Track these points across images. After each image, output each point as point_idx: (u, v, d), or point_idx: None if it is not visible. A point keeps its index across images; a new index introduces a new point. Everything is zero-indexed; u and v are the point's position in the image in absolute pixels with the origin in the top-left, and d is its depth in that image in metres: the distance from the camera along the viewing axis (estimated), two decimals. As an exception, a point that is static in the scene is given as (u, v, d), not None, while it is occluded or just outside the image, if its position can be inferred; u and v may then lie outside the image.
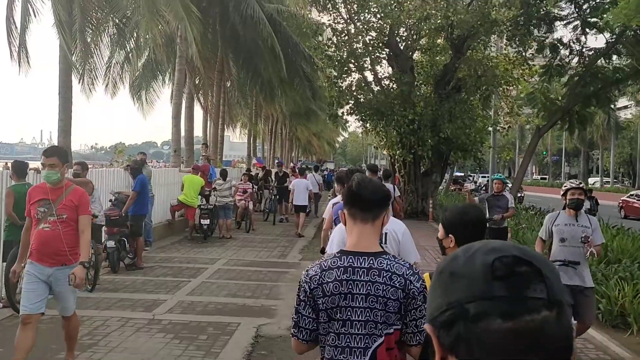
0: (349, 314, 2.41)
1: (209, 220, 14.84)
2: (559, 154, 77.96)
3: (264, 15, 20.48)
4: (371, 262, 2.43)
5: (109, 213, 10.38)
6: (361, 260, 2.43)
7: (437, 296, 0.95)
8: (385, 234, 4.05)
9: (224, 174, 16.35)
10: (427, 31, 21.06)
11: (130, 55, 22.57)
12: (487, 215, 10.08)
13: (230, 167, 32.43)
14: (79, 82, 20.81)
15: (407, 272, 2.44)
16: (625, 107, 38.19)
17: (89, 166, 11.35)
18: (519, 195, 25.67)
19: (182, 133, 21.01)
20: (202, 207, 15.18)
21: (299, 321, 2.50)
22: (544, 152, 78.43)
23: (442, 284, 0.96)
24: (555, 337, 0.88)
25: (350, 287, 2.40)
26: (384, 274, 2.41)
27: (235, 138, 47.94)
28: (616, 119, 55.65)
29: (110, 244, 10.30)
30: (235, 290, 9.49)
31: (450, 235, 2.94)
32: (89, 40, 18.36)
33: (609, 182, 64.09)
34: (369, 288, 2.40)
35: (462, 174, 55.99)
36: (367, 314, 2.41)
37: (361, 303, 2.40)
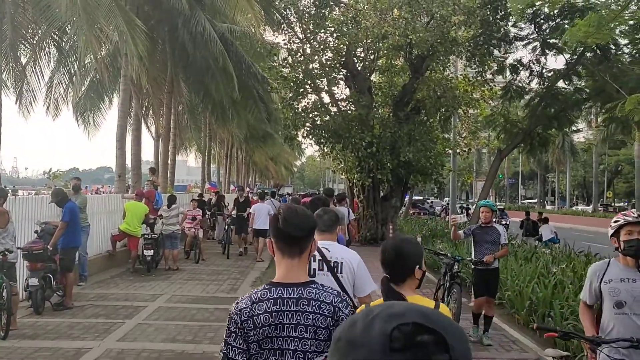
0: (280, 344, 2.45)
1: (152, 251, 13.61)
2: (515, 177, 78.53)
3: (215, 33, 19.46)
4: (300, 292, 2.48)
5: (30, 246, 9.15)
6: (290, 291, 2.47)
7: None
8: (341, 263, 3.99)
9: (171, 200, 15.12)
10: (386, 50, 20.37)
11: (72, 75, 21.31)
12: (473, 254, 8.60)
13: (186, 192, 31.24)
14: (16, 103, 19.49)
15: (336, 300, 2.50)
16: (578, 130, 38.42)
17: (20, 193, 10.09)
18: (503, 222, 24.19)
19: (129, 157, 19.81)
20: (145, 236, 13.95)
21: (229, 352, 2.45)
22: (500, 176, 78.93)
23: (339, 352, 0.89)
24: None
25: (280, 317, 2.43)
26: (313, 303, 2.46)
27: (193, 162, 46.67)
28: (571, 142, 56.17)
29: (33, 281, 9.05)
30: (175, 334, 8.33)
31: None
32: (24, 58, 17.06)
33: (564, 205, 64.52)
34: (298, 318, 2.45)
35: (421, 198, 55.47)
36: (297, 343, 2.45)
37: (292, 333, 2.44)
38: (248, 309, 2.45)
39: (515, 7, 15.84)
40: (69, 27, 18.22)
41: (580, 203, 79.20)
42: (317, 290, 2.50)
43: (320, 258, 3.95)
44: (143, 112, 24.86)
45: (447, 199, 65.27)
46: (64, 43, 19.77)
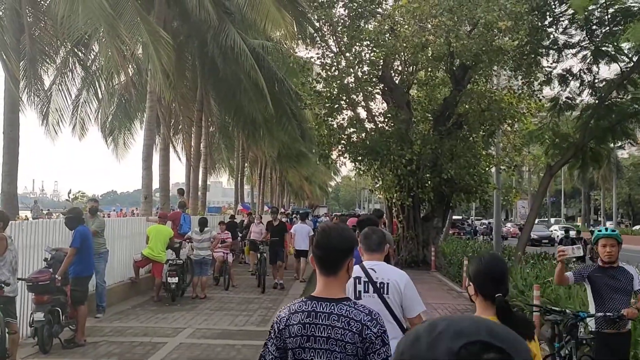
0: (311, 355, 2.56)
1: (177, 278, 12.55)
2: (556, 195, 76.02)
3: (245, 47, 18.57)
4: (332, 307, 2.58)
5: (35, 277, 8.16)
6: (323, 306, 2.59)
7: None
8: (387, 284, 3.96)
9: (203, 223, 14.09)
10: (426, 62, 19.19)
11: (99, 93, 20.64)
12: (593, 307, 5.86)
13: (220, 213, 30.38)
14: (42, 124, 18.84)
15: (365, 318, 2.56)
16: (620, 146, 36.35)
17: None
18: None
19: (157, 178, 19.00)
20: (170, 262, 12.92)
21: (265, 355, 2.66)
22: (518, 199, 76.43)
23: None
24: None
25: (312, 330, 2.56)
26: (343, 319, 2.56)
27: (227, 184, 46.00)
28: (617, 158, 53.92)
29: (38, 316, 8.04)
30: (195, 379, 7.21)
31: (470, 282, 2.95)
32: (46, 75, 16.38)
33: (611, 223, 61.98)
34: (329, 332, 2.55)
35: (460, 217, 53.72)
36: (328, 356, 2.55)
37: (322, 345, 2.55)
38: (286, 318, 2.62)
39: (576, 2, 14.47)
40: (96, 44, 17.59)
41: (625, 221, 76.31)
42: (348, 308, 2.59)
43: (366, 279, 3.96)
44: (172, 131, 24.03)
45: (470, 218, 63.38)
46: (90, 61, 19.14)
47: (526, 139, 24.05)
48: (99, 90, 20.77)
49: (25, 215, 26.95)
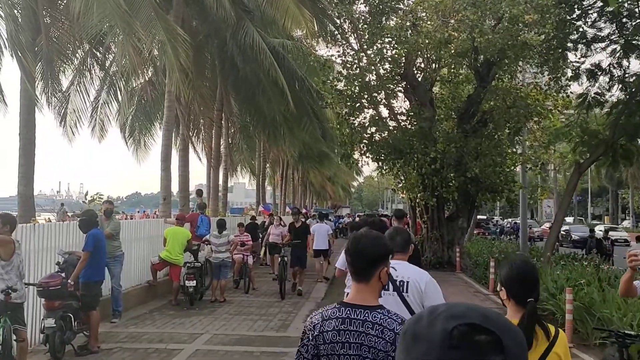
0: None
1: (195, 281, 12.25)
2: (583, 194, 74.64)
3: (265, 45, 18.25)
4: (366, 315, 2.59)
5: (46, 282, 7.89)
6: (357, 313, 2.59)
7: (400, 353, 0.98)
8: (407, 282, 3.93)
9: (220, 225, 13.74)
10: (449, 57, 18.71)
11: (119, 95, 20.49)
12: None
13: (242, 214, 30.16)
14: (60, 124, 18.70)
15: (398, 327, 2.54)
16: None
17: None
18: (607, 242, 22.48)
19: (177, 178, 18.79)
20: (188, 265, 12.62)
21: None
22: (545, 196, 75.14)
23: (405, 343, 0.98)
24: None
25: (347, 336, 2.56)
26: (377, 327, 2.55)
27: (249, 185, 45.82)
28: (645, 155, 52.68)
29: (49, 322, 7.76)
30: (210, 389, 6.87)
31: (502, 287, 2.96)
32: (64, 76, 16.22)
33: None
34: (362, 339, 2.55)
35: (485, 217, 52.87)
36: None
37: (355, 351, 2.55)
38: (319, 325, 2.63)
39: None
40: (113, 45, 17.40)
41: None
42: (382, 316, 2.59)
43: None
44: (192, 132, 23.80)
45: (494, 218, 62.27)
46: (108, 62, 18.98)
47: (553, 137, 23.47)
48: (118, 91, 20.63)
49: (48, 218, 26.92)
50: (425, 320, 0.96)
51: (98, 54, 18.24)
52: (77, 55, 17.59)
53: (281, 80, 18.43)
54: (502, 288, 2.95)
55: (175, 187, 19.64)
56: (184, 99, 19.07)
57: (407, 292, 3.91)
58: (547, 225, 42.28)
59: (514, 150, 22.75)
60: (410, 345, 0.96)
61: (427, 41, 17.11)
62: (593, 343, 9.09)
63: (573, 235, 38.53)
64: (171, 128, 17.10)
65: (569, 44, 18.77)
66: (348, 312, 2.59)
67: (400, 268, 3.92)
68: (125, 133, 22.77)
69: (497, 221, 53.05)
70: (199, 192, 17.32)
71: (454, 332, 0.91)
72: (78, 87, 18.46)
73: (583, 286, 10.83)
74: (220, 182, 24.18)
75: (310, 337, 2.64)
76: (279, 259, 14.60)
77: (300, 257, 14.66)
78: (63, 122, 18.53)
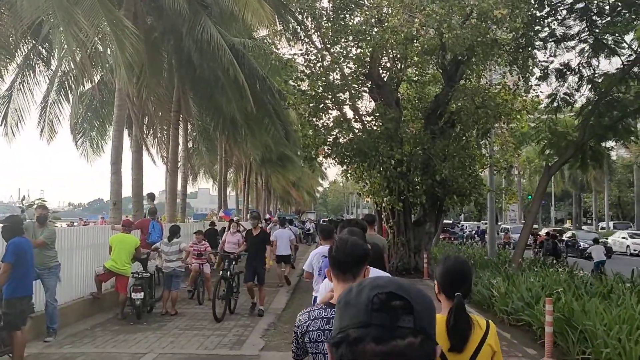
0: None
1: (142, 293, 11.21)
2: (546, 197, 75.05)
3: (223, 41, 17.28)
4: None
5: (-43, 299, 6.82)
6: None
7: (336, 320, 1.17)
8: None
9: (173, 232, 12.67)
10: (416, 57, 18.01)
11: (69, 93, 19.30)
12: None
13: (205, 220, 29.16)
14: (1, 124, 17.48)
15: None
16: (624, 144, 35.00)
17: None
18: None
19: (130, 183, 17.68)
20: (135, 275, 11.59)
21: (297, 352, 2.88)
22: (529, 197, 75.64)
23: (339, 311, 1.17)
24: (416, 358, 1.07)
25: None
26: None
27: (214, 190, 44.60)
28: (609, 159, 53.01)
29: (-38, 346, 6.70)
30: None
31: (435, 281, 3.14)
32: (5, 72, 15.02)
33: (603, 227, 61.12)
34: None
35: (451, 221, 52.50)
36: None
37: None
38: (306, 324, 2.76)
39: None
40: (54, 38, 16.24)
41: (615, 224, 75.53)
42: None
43: None
44: (147, 134, 22.63)
45: (463, 222, 62.09)
46: (54, 60, 17.81)
47: (520, 139, 23.03)
48: (68, 90, 19.45)
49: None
50: (354, 290, 1.17)
51: (44, 50, 17.06)
52: (21, 49, 16.39)
53: (241, 79, 17.49)
54: (436, 282, 3.09)
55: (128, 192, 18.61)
56: (138, 99, 17.98)
57: None
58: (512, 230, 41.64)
59: (482, 152, 22.17)
60: (343, 312, 1.15)
61: (393, 37, 16.34)
62: (574, 358, 8.34)
63: (582, 243, 32.44)
64: (122, 128, 15.99)
65: (538, 43, 18.25)
66: (333, 313, 2.47)
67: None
68: (75, 134, 21.48)
69: (463, 226, 52.70)
70: (151, 196, 16.17)
71: (375, 299, 1.10)
72: (21, 86, 17.28)
73: (560, 295, 10.11)
74: (179, 187, 23.10)
75: (298, 335, 2.77)
76: (222, 271, 12.16)
77: (257, 270, 11.97)
78: (4, 122, 17.30)
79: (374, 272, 3.77)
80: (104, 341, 9.54)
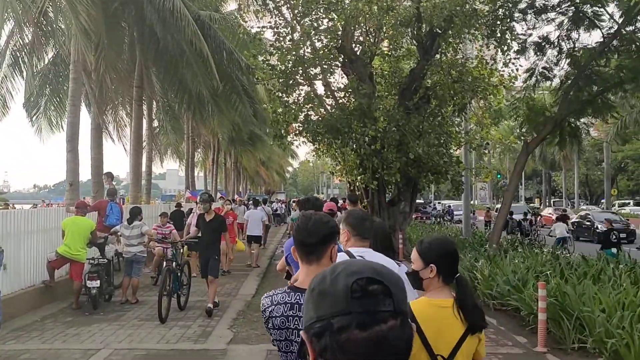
0: (295, 348, 2.43)
1: (99, 281, 10.29)
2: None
3: (187, 11, 16.25)
4: None
5: None
6: None
7: (309, 310, 1.15)
8: None
9: (133, 214, 11.74)
10: (390, 28, 17.17)
11: (23, 66, 18.09)
12: None
13: (173, 201, 28.21)
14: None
15: None
16: (604, 120, 34.29)
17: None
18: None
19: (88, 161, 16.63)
20: (91, 262, 10.67)
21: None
22: (498, 176, 75.73)
23: (314, 300, 1.15)
24: (399, 340, 1.10)
25: (296, 323, 2.43)
26: None
27: (183, 172, 43.42)
28: (588, 135, 52.97)
29: None
30: None
31: (431, 265, 2.92)
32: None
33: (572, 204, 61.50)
34: None
35: (423, 201, 52.05)
36: None
37: None
38: (269, 309, 2.49)
39: None
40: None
41: (583, 202, 76.21)
42: None
43: None
44: (106, 109, 21.40)
45: (437, 201, 61.87)
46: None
47: (497, 115, 22.42)
48: (22, 64, 18.25)
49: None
50: (329, 278, 1.14)
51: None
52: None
53: (205, 51, 16.54)
54: (432, 266, 2.89)
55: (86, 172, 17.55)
56: (95, 72, 16.86)
57: None
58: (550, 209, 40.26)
59: (457, 130, 21.51)
60: (319, 301, 1.13)
61: (367, 7, 15.47)
62: (571, 347, 7.70)
63: (599, 226, 26.71)
64: (78, 103, 14.95)
65: (517, 14, 17.55)
66: (297, 297, 2.47)
67: (370, 257, 3.42)
68: (30, 111, 20.18)
69: (434, 205, 52.40)
70: (109, 175, 14.99)
71: (354, 285, 1.09)
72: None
73: (550, 278, 9.48)
74: (145, 167, 22.06)
75: (264, 319, 2.54)
76: (167, 263, 10.67)
77: (210, 262, 10.27)
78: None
79: (369, 254, 3.52)
80: (53, 335, 8.64)
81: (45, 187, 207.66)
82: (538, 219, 27.55)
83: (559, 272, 10.27)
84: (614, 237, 17.63)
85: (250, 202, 23.55)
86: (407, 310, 1.14)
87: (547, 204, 65.96)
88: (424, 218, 42.03)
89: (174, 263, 10.41)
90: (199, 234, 10.70)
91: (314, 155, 26.32)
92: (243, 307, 10.87)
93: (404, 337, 1.10)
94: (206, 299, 10.57)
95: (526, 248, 14.65)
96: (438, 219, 41.79)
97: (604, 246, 17.10)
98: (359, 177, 18.78)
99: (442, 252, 2.93)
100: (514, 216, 26.07)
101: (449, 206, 46.89)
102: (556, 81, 19.23)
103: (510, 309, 9.84)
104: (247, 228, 17.22)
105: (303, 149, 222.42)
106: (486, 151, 24.14)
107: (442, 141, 18.61)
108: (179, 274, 10.56)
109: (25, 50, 17.84)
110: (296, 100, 19.72)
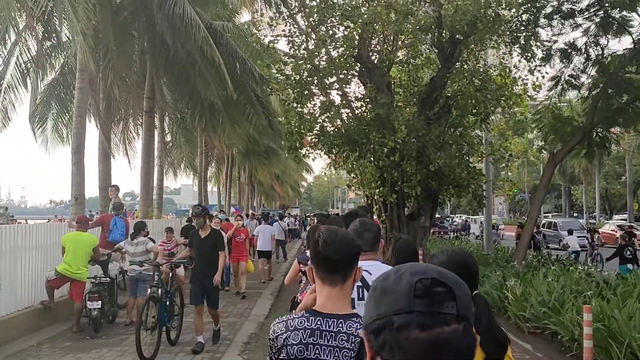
0: None
1: (100, 302, 9.56)
2: (532, 190, 73.95)
3: (198, 18, 15.64)
4: (340, 325, 2.26)
5: None
6: (330, 323, 2.26)
7: (371, 308, 1.10)
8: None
9: (137, 229, 11.04)
10: (410, 34, 16.45)
11: (27, 76, 17.58)
12: None
13: (186, 215, 27.59)
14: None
15: None
16: (636, 129, 32.89)
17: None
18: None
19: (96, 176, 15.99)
20: (92, 281, 9.95)
21: None
22: (515, 191, 74.51)
23: (375, 298, 1.11)
24: (461, 346, 1.03)
25: (317, 352, 2.22)
26: (352, 339, 2.24)
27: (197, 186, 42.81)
28: (618, 145, 51.89)
29: None
30: None
31: None
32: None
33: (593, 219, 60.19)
34: (336, 354, 2.22)
35: (439, 216, 51.01)
36: None
37: None
38: (283, 336, 2.27)
39: None
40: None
41: (602, 217, 74.79)
42: (358, 325, 2.24)
43: (361, 284, 3.28)
44: (119, 123, 20.86)
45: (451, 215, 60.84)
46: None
47: (519, 126, 21.59)
48: (27, 74, 17.74)
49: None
50: (393, 277, 1.10)
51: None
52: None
53: (217, 59, 15.88)
54: None
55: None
56: (102, 81, 16.29)
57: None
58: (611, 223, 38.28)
59: (479, 141, 20.70)
60: (380, 299, 1.08)
61: (385, 12, 14.77)
62: (623, 380, 6.85)
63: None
64: (84, 113, 14.34)
65: (543, 20, 16.79)
66: (319, 323, 2.24)
67: (375, 272, 3.26)
68: (34, 123, 19.56)
69: (453, 219, 51.40)
70: (115, 189, 14.29)
71: (418, 284, 1.05)
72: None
73: (590, 299, 8.62)
74: (156, 181, 21.43)
75: (274, 349, 2.27)
76: (151, 289, 9.04)
77: (209, 292, 8.71)
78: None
79: (377, 268, 3.31)
80: (50, 362, 7.90)
81: (62, 202, 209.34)
82: (596, 236, 24.33)
83: (597, 291, 9.42)
84: (629, 252, 16.52)
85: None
86: (472, 317, 1.07)
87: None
88: (442, 233, 41.07)
89: (159, 290, 8.74)
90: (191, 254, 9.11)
91: (329, 169, 25.52)
92: (256, 330, 10.08)
93: (465, 343, 1.04)
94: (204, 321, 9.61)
95: (560, 266, 13.72)
96: (456, 234, 40.85)
97: (617, 261, 16.15)
98: (377, 191, 17.99)
99: (455, 265, 2.61)
100: (573, 234, 23.38)
101: (466, 221, 45.95)
102: (583, 90, 18.34)
103: (547, 333, 8.98)
104: (257, 243, 17.38)
105: (318, 163, 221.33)
106: (509, 164, 23.19)
107: (463, 152, 17.81)
108: (167, 303, 8.97)
109: (32, 61, 17.32)
110: (311, 111, 19.04)
